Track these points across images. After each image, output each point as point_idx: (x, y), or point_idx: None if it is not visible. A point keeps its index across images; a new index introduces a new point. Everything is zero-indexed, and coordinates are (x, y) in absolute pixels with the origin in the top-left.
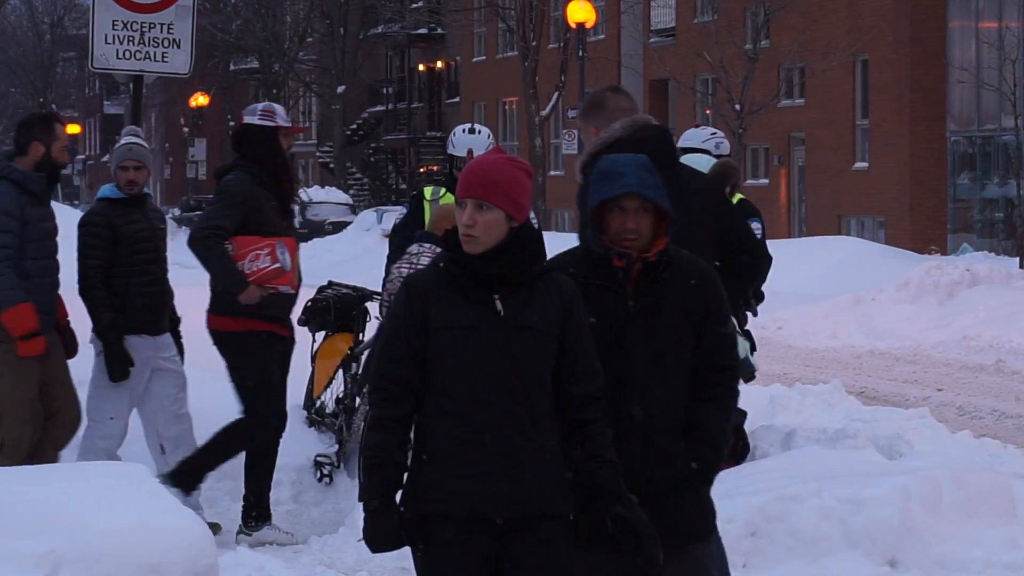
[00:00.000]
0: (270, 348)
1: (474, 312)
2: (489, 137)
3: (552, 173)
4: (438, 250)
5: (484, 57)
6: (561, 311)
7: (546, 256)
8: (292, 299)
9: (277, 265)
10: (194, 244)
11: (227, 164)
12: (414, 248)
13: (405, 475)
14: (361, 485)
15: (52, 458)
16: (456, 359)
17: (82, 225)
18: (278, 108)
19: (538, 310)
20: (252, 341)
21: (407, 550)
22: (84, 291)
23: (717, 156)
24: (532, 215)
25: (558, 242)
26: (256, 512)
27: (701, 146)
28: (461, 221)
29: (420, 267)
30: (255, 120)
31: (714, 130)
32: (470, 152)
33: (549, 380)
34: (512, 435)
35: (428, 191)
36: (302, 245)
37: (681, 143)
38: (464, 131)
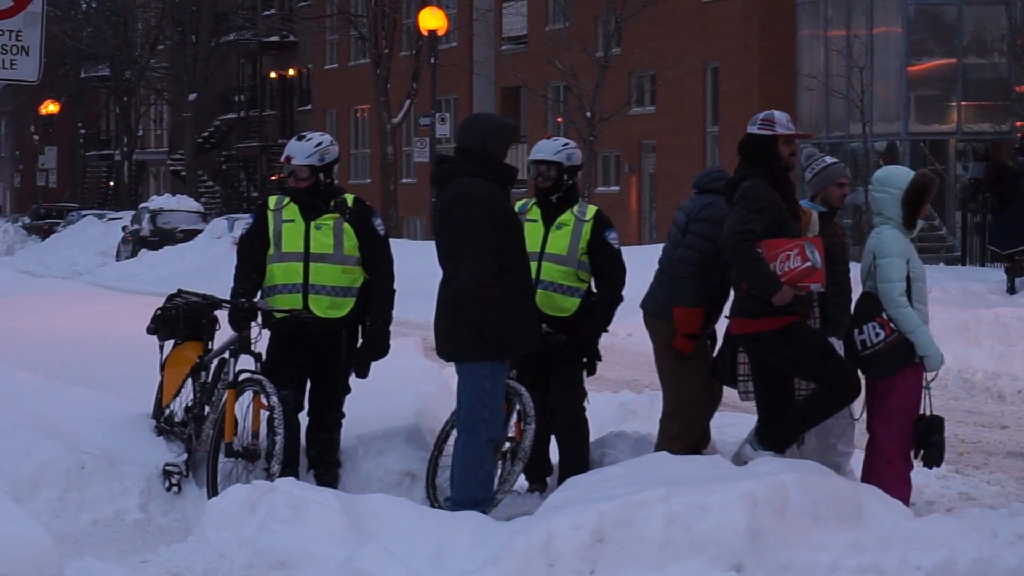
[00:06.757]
0: (807, 328)
1: None
2: (318, 146)
3: (404, 181)
4: None
5: (336, 65)
6: None
7: None
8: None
9: (808, 264)
10: (727, 250)
11: (738, 174)
12: None
13: None
14: None
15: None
16: None
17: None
18: (779, 117)
19: None
20: (794, 327)
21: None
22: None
23: (569, 168)
24: (379, 222)
25: (409, 251)
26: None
27: (553, 158)
28: None
29: None
30: (755, 130)
31: (566, 141)
32: (287, 158)
33: None
34: None
35: (272, 200)
36: (152, 254)
37: (532, 156)
38: (296, 138)
